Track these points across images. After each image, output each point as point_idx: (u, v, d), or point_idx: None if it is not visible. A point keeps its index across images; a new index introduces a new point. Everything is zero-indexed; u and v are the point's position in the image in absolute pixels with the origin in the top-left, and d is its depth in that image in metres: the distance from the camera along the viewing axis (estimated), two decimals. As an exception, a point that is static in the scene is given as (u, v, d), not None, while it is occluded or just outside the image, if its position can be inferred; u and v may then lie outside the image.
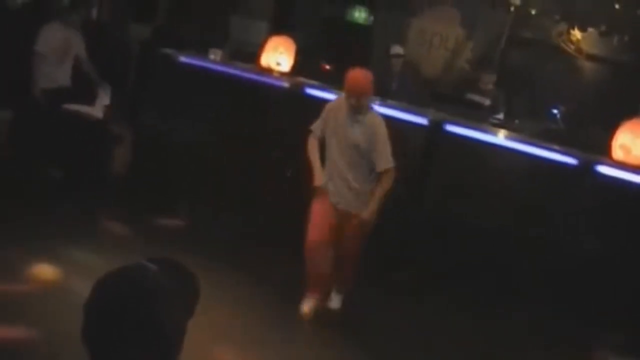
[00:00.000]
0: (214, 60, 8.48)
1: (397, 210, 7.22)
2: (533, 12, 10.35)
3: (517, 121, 8.91)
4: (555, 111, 8.80)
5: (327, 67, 9.77)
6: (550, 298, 6.76)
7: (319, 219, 6.06)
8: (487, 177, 7.27)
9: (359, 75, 5.94)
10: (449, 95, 9.24)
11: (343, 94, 6.09)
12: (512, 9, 10.31)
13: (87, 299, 1.94)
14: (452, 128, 7.42)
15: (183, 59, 8.55)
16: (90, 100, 8.52)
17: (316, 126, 6.12)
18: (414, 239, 7.28)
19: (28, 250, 6.14)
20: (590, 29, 10.16)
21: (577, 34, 10.16)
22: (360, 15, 11.79)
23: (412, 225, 7.32)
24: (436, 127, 7.44)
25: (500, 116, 8.55)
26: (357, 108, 5.88)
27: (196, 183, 8.00)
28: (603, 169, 6.95)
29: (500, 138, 7.41)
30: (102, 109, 8.37)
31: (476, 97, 8.73)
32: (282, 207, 7.41)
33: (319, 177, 6.04)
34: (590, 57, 10.25)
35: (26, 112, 8.17)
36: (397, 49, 9.56)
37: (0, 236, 6.10)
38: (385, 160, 5.92)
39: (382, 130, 5.96)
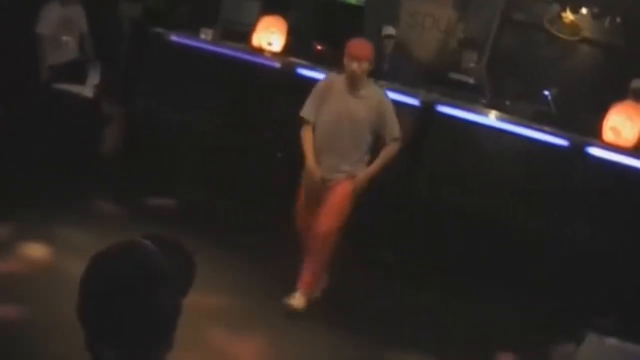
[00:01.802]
0: (205, 40, 8.44)
1: (388, 191, 7.23)
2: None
3: (507, 102, 8.91)
4: (546, 93, 8.79)
5: (319, 47, 9.73)
6: (539, 280, 6.79)
7: (308, 201, 6.05)
8: (478, 158, 7.28)
9: (360, 42, 6.06)
10: (440, 77, 9.23)
11: (333, 73, 6.11)
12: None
13: (82, 276, 1.94)
14: (443, 109, 7.42)
15: (174, 38, 8.50)
16: (82, 77, 8.51)
17: (308, 112, 6.05)
18: (404, 221, 7.29)
19: (18, 230, 6.15)
20: (582, 11, 10.16)
21: (569, 15, 10.15)
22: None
23: (403, 207, 7.34)
24: (428, 108, 7.44)
25: (486, 95, 8.53)
26: (357, 76, 5.87)
27: (187, 163, 8.00)
28: (594, 151, 6.98)
29: (491, 119, 7.42)
30: (92, 89, 8.33)
31: (460, 77, 8.73)
32: (273, 189, 7.40)
33: (312, 167, 5.99)
34: (582, 40, 10.25)
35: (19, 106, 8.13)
36: (389, 30, 9.53)
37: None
38: (395, 128, 5.96)
39: (388, 101, 6.04)
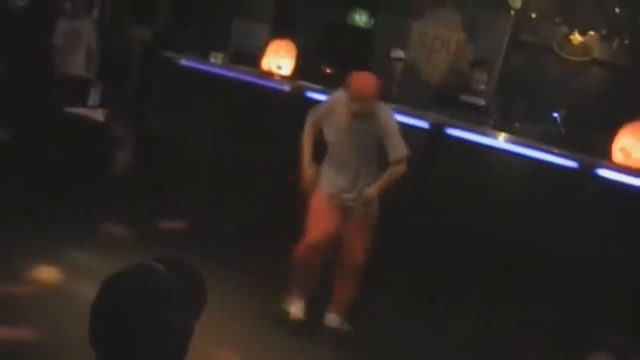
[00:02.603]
0: (215, 64, 8.49)
1: (399, 213, 7.24)
2: (533, 15, 10.36)
3: (516, 124, 8.92)
4: (555, 114, 8.80)
5: (328, 70, 9.77)
6: (551, 299, 6.77)
7: (322, 218, 5.95)
8: (488, 180, 7.28)
9: (363, 80, 5.76)
10: (449, 99, 9.25)
11: (338, 92, 6.01)
12: (512, 12, 10.31)
13: (94, 299, 1.94)
14: (453, 131, 7.43)
15: (184, 61, 8.56)
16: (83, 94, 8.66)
17: (309, 120, 6.06)
18: (415, 242, 7.28)
19: (30, 253, 6.16)
20: (590, 33, 10.18)
21: (577, 37, 10.17)
22: (361, 18, 11.79)
23: (413, 227, 7.33)
24: (437, 130, 7.45)
25: (494, 117, 8.54)
26: (361, 112, 5.73)
27: (198, 186, 8.01)
28: (603, 172, 6.97)
29: (501, 141, 7.42)
30: (103, 112, 8.40)
31: (470, 99, 8.74)
32: (284, 211, 7.40)
33: (308, 166, 6.00)
34: (591, 61, 10.27)
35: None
36: (398, 53, 9.57)
37: (2, 238, 6.11)
38: (398, 149, 5.80)
39: (391, 118, 5.90)
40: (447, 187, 7.39)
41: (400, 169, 5.83)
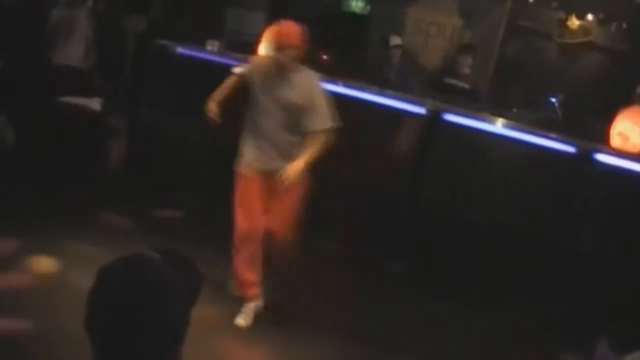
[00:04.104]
0: (211, 51, 8.45)
1: (394, 200, 7.23)
2: (530, 0, 10.34)
3: (514, 109, 8.92)
4: (553, 100, 8.79)
5: (325, 57, 9.74)
6: (548, 289, 6.76)
7: (247, 203, 5.64)
8: (485, 166, 7.27)
9: (288, 28, 5.42)
10: (436, 82, 9.26)
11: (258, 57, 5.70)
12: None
13: (91, 288, 1.94)
14: (450, 117, 7.40)
15: (180, 50, 8.52)
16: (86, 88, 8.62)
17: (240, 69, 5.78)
18: (410, 229, 7.28)
19: (25, 244, 6.14)
20: (588, 17, 10.16)
21: (575, 21, 10.15)
22: (357, 4, 11.75)
23: (409, 215, 7.32)
24: (434, 116, 7.43)
25: (480, 101, 8.53)
26: (285, 64, 5.38)
27: (193, 175, 7.98)
28: (601, 157, 6.95)
29: (498, 127, 7.40)
30: (98, 102, 8.37)
31: (455, 82, 8.75)
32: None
33: (214, 99, 5.81)
34: (589, 45, 10.25)
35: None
36: (396, 40, 9.54)
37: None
38: (321, 119, 5.44)
39: (318, 87, 5.52)
40: (443, 173, 7.37)
41: (322, 141, 5.43)
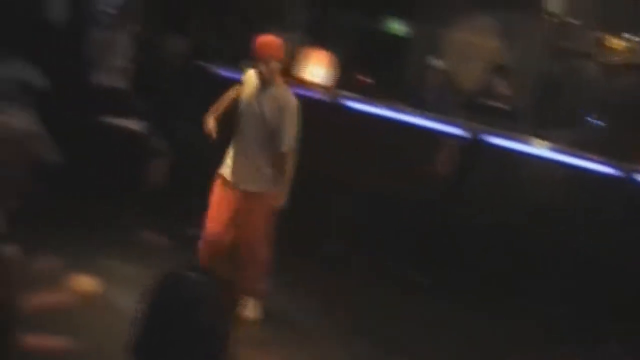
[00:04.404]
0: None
1: (436, 220, 7.21)
2: (570, 21, 10.27)
3: (553, 130, 8.85)
4: (593, 120, 8.71)
5: (364, 79, 9.75)
6: (590, 308, 6.68)
7: (218, 208, 5.91)
8: (525, 188, 7.21)
9: (267, 40, 5.71)
10: (482, 106, 9.22)
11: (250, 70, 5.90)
12: (548, 18, 10.23)
13: (136, 310, 1.96)
14: (488, 138, 7.37)
15: (219, 71, 8.58)
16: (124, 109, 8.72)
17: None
18: (442, 243, 7.23)
19: (65, 262, 6.19)
20: (626, 36, 10.07)
21: (614, 41, 10.07)
22: (397, 26, 11.77)
23: (443, 230, 7.28)
24: (474, 138, 7.40)
25: (521, 122, 8.48)
26: (267, 77, 5.65)
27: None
28: (643, 178, 6.88)
29: (537, 148, 7.35)
30: (138, 123, 8.45)
31: (493, 103, 8.73)
32: (314, 219, 7.42)
33: (211, 116, 6.07)
34: (629, 65, 10.15)
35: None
36: (434, 62, 9.54)
37: (39, 247, 6.14)
38: (286, 140, 5.69)
39: (292, 107, 5.72)
40: (483, 194, 7.32)
41: (289, 163, 5.76)
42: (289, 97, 5.74)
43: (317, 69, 8.27)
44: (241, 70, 8.43)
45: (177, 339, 1.93)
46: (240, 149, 5.80)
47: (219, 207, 5.87)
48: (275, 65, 5.65)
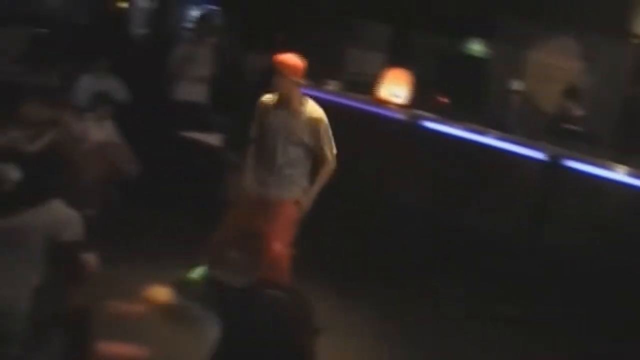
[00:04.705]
0: (330, 91, 8.52)
1: (510, 243, 7.09)
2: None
3: (635, 156, 8.64)
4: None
5: (444, 99, 9.69)
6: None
7: (238, 211, 6.07)
8: (606, 213, 7.05)
9: (285, 57, 5.86)
10: (563, 129, 9.07)
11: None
12: (634, 40, 10.04)
13: (221, 327, 1.96)
14: (570, 163, 7.23)
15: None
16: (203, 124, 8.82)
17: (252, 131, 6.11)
18: (528, 274, 7.10)
19: (144, 273, 6.27)
20: None
21: None
22: (477, 47, 11.69)
23: (527, 259, 7.15)
24: (554, 162, 7.27)
25: (593, 143, 8.32)
26: (285, 93, 5.80)
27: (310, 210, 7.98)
28: None
29: (621, 174, 7.18)
30: (218, 137, 8.52)
31: (570, 126, 8.58)
32: (396, 239, 7.38)
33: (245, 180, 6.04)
34: None
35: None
36: (515, 85, 9.45)
37: (117, 258, 6.23)
38: (327, 150, 5.83)
39: (323, 120, 5.85)
40: (564, 220, 7.18)
41: (328, 169, 5.88)
42: (317, 112, 5.87)
43: (396, 88, 8.25)
44: (322, 87, 8.52)
45: (267, 357, 1.91)
46: (262, 159, 5.94)
47: (237, 211, 6.09)
48: (292, 81, 5.78)
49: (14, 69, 9.22)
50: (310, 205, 5.91)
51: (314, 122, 5.81)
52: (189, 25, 14.06)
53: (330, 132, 5.86)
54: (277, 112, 5.87)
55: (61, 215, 4.25)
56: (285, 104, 5.84)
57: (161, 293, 6.05)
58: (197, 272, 6.30)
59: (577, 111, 9.02)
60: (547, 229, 7.28)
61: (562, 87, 10.05)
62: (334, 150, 5.88)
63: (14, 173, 6.38)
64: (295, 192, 5.90)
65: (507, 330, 6.65)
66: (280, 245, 5.85)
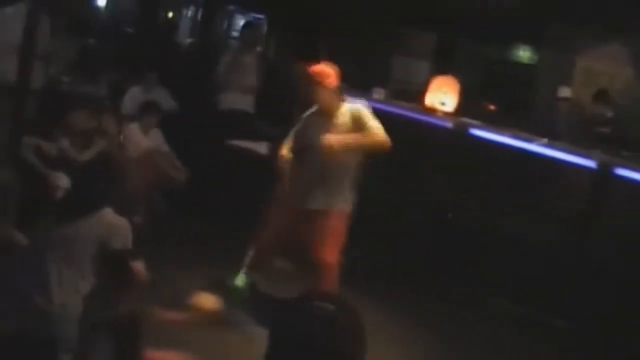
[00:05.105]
0: (377, 99, 8.49)
1: (560, 255, 7.00)
2: None
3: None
4: None
5: (491, 107, 9.64)
6: None
7: (277, 215, 6.05)
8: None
9: (319, 67, 5.87)
10: (612, 137, 8.94)
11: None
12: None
13: (268, 337, 1.95)
14: (620, 171, 7.12)
15: (346, 97, 8.59)
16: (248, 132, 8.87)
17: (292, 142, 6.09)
18: (576, 283, 7.00)
19: (190, 280, 6.29)
20: None
21: None
22: (524, 54, 11.61)
23: (574, 271, 7.05)
24: (605, 170, 7.17)
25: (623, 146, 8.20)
26: (324, 103, 5.78)
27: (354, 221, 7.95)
28: None
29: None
30: (266, 146, 8.54)
31: (603, 129, 8.49)
32: (443, 250, 7.32)
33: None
34: None
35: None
36: (564, 92, 9.34)
37: (164, 264, 6.26)
38: (377, 131, 5.65)
39: (363, 110, 5.77)
40: (614, 229, 7.07)
41: (378, 142, 5.66)
42: (356, 107, 5.81)
43: (443, 96, 8.19)
44: (369, 96, 8.50)
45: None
46: (304, 166, 5.90)
47: (277, 215, 6.05)
48: (328, 90, 5.76)
49: (64, 78, 9.33)
50: (339, 148, 5.67)
51: (355, 114, 5.73)
52: (235, 34, 14.16)
53: (373, 117, 5.74)
54: (317, 122, 5.84)
55: (112, 223, 4.30)
56: (325, 113, 5.82)
57: (208, 300, 6.06)
58: (240, 279, 6.29)
59: (609, 114, 8.91)
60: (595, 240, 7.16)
61: (617, 94, 9.94)
62: (382, 135, 5.67)
63: (64, 181, 6.49)
64: (341, 203, 5.87)
65: (555, 342, 6.59)
66: (329, 256, 5.80)
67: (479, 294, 6.97)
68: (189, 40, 15.86)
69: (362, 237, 7.28)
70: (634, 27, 9.86)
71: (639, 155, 7.60)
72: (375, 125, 5.67)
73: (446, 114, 8.11)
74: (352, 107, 5.80)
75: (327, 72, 5.82)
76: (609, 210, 7.14)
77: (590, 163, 7.23)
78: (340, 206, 5.89)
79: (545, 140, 7.58)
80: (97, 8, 16.77)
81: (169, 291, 6.04)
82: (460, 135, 7.79)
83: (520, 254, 7.09)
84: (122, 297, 4.37)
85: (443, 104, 8.13)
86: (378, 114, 8.13)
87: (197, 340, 5.43)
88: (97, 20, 14.54)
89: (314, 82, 5.79)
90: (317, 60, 6.00)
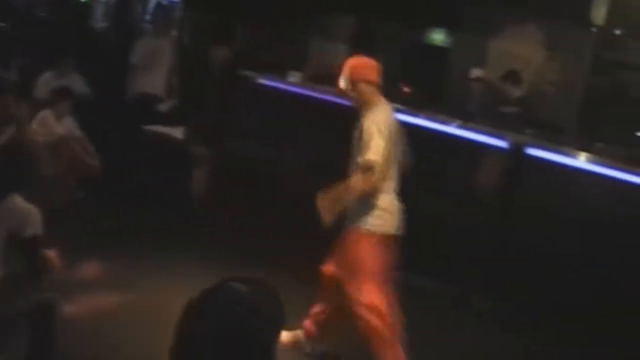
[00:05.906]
0: (293, 83, 8.50)
1: (478, 233, 7.12)
2: (617, 32, 10.13)
3: (600, 144, 8.72)
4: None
5: (407, 89, 9.70)
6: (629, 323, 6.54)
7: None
8: (568, 201, 7.10)
9: (356, 61, 5.27)
10: (525, 117, 9.13)
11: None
12: (595, 29, 10.11)
13: (179, 321, 1.94)
14: (533, 151, 7.27)
15: (262, 81, 8.59)
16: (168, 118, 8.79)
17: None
18: (494, 264, 7.13)
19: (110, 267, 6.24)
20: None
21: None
22: (439, 37, 11.71)
23: (491, 251, 7.18)
24: (517, 150, 7.31)
25: (565, 134, 8.39)
26: (358, 101, 5.10)
27: (278, 204, 7.94)
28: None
29: (583, 162, 7.24)
30: (181, 131, 8.48)
31: (508, 109, 8.67)
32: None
33: None
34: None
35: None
36: (476, 72, 9.46)
37: (81, 252, 6.19)
38: (367, 152, 4.98)
39: (372, 122, 5.03)
40: (527, 208, 7.22)
41: (363, 177, 4.96)
42: (376, 115, 5.11)
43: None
44: (286, 79, 8.49)
45: (227, 351, 1.90)
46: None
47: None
48: (366, 87, 5.15)
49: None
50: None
51: (365, 124, 5.05)
52: (149, 18, 13.97)
53: (373, 136, 4.95)
54: (355, 125, 5.12)
55: (21, 211, 4.21)
56: (361, 114, 5.13)
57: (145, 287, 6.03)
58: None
59: (515, 93, 9.10)
60: (509, 219, 7.30)
61: (529, 76, 10.12)
62: (371, 157, 4.94)
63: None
64: (369, 221, 5.11)
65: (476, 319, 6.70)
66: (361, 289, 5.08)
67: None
68: (103, 25, 15.59)
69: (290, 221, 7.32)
70: (548, 10, 10.05)
71: (542, 134, 7.79)
72: (367, 151, 4.96)
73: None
74: (370, 116, 5.08)
75: (367, 65, 5.25)
76: (520, 189, 7.29)
77: (502, 143, 7.36)
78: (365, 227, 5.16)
79: (460, 122, 7.70)
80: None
81: (89, 280, 5.99)
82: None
83: (442, 236, 7.16)
84: (35, 286, 4.29)
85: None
86: (294, 97, 8.21)
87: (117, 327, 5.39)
88: (8, 3, 14.15)
89: (350, 77, 5.17)
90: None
